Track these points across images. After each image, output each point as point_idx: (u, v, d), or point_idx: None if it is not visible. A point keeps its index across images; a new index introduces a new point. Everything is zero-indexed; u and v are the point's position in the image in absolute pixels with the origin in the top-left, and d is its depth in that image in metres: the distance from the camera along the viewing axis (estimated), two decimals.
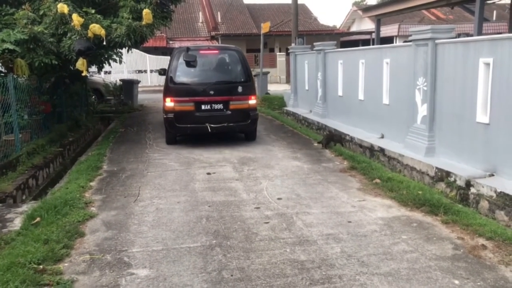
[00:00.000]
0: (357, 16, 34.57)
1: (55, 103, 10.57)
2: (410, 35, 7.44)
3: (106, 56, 10.73)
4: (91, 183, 6.48)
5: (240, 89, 8.77)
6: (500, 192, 5.23)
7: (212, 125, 8.50)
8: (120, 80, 17.47)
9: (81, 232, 4.64)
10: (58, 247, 4.16)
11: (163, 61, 28.12)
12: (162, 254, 4.09)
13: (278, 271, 3.70)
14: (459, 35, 7.31)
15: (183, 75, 8.83)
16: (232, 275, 3.66)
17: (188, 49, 8.83)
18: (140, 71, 27.88)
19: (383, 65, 8.48)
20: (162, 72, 10.23)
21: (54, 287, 3.47)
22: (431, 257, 3.90)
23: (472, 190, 5.70)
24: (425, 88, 7.06)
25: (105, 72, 21.94)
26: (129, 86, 16.64)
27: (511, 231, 4.40)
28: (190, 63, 8.69)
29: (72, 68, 9.84)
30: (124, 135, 10.69)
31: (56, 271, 3.76)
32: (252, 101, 8.90)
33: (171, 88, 8.72)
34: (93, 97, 16.22)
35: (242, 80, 8.96)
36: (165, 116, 8.72)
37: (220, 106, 8.63)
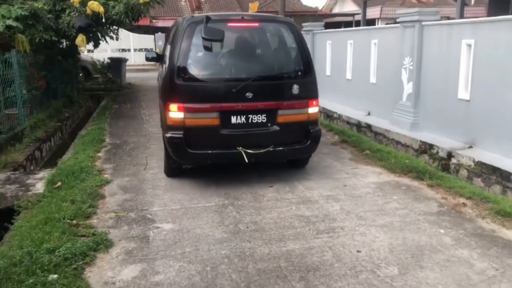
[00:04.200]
0: None
1: (48, 79, 10.76)
2: (394, 17, 7.94)
3: (103, 33, 10.92)
4: (99, 154, 6.85)
5: (295, 89, 5.26)
6: (478, 161, 5.83)
7: (249, 151, 5.06)
8: (109, 58, 17.56)
9: (101, 194, 5.05)
10: (85, 207, 4.58)
11: (146, 40, 28.10)
12: (181, 212, 4.55)
13: (288, 224, 4.21)
14: (440, 18, 7.81)
15: (200, 66, 5.26)
16: (247, 227, 4.16)
17: (208, 19, 5.03)
18: (123, 50, 27.77)
19: (371, 46, 8.97)
20: (151, 56, 6.93)
21: (91, 238, 3.89)
22: (420, 212, 4.47)
23: (453, 160, 6.30)
24: (411, 68, 7.59)
25: (88, 51, 21.87)
26: (117, 64, 16.78)
27: (487, 192, 5.02)
28: (211, 45, 5.12)
29: (67, 44, 10.05)
30: (119, 111, 10.98)
31: (88, 225, 4.19)
32: (313, 109, 5.41)
33: (179, 87, 5.03)
34: (81, 74, 16.32)
35: (299, 74, 5.46)
36: (167, 135, 5.13)
37: (262, 118, 5.17)
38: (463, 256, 3.59)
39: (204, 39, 4.97)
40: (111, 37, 11.47)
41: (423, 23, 7.28)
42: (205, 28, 4.95)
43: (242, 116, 5.12)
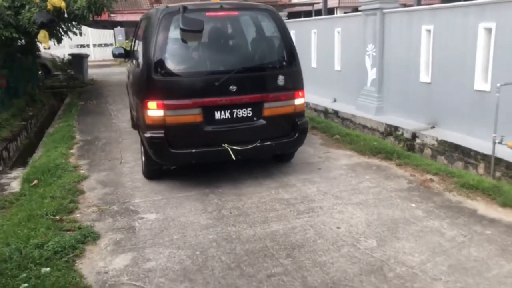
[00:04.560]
0: None
1: (9, 78, 10.45)
2: (352, 6, 8.26)
3: (65, 29, 10.69)
4: (71, 151, 6.79)
5: (280, 80, 5.04)
6: (441, 140, 6.20)
7: (235, 147, 4.82)
8: (69, 54, 17.13)
9: (80, 190, 5.06)
10: (66, 202, 4.59)
11: (106, 35, 27.49)
12: (164, 202, 4.64)
13: (269, 207, 4.39)
14: (399, 6, 8.15)
15: (179, 59, 4.98)
16: (231, 213, 4.31)
17: (185, 9, 4.77)
18: (82, 46, 27.07)
19: (335, 34, 9.24)
20: (118, 52, 6.80)
21: (77, 231, 3.93)
22: (391, 190, 4.75)
23: (417, 140, 6.65)
24: (374, 54, 7.90)
25: (45, 47, 21.24)
26: (78, 60, 16.42)
27: (451, 168, 5.37)
28: (191, 36, 4.84)
29: (27, 41, 9.79)
30: (85, 108, 10.82)
31: (72, 220, 4.22)
32: (300, 101, 5.21)
33: (157, 83, 4.73)
34: (40, 72, 15.86)
35: (284, 64, 5.22)
36: (146, 135, 4.81)
37: (247, 112, 4.93)
38: (434, 226, 3.87)
39: (182, 30, 4.66)
40: (74, 33, 11.25)
41: (384, 10, 7.58)
42: (183, 19, 4.64)
43: (226, 111, 4.86)
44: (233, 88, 4.81)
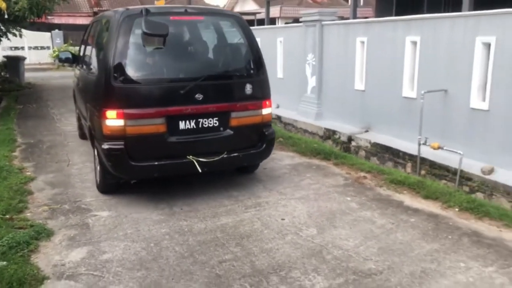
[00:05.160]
0: None
1: None
2: (292, 17, 8.82)
3: (4, 31, 10.37)
4: (14, 153, 6.69)
5: (248, 88, 4.89)
6: (373, 142, 6.78)
7: (201, 159, 4.60)
8: (4, 56, 16.45)
9: (28, 190, 5.07)
10: (14, 202, 4.62)
11: (42, 38, 26.54)
12: (115, 201, 4.78)
13: (218, 203, 4.67)
14: (337, 18, 8.78)
15: (141, 65, 4.67)
16: (182, 209, 4.54)
17: (147, 12, 4.47)
18: (17, 48, 25.91)
19: (277, 43, 9.72)
20: (65, 57, 6.62)
21: (29, 229, 3.99)
22: (329, 186, 5.20)
23: (353, 143, 7.21)
24: (314, 63, 8.43)
25: None
26: (14, 63, 15.81)
27: (383, 167, 5.93)
28: (154, 41, 4.54)
29: None
30: (25, 112, 10.53)
31: (23, 219, 4.27)
32: (267, 110, 5.10)
33: (117, 91, 4.42)
34: None
35: (251, 72, 5.08)
36: (104, 147, 4.46)
37: (214, 121, 4.74)
38: (367, 216, 4.34)
39: (146, 34, 4.35)
40: (14, 34, 10.93)
41: (323, 22, 8.14)
42: (147, 22, 4.35)
43: (191, 121, 4.62)
44: (199, 96, 4.58)
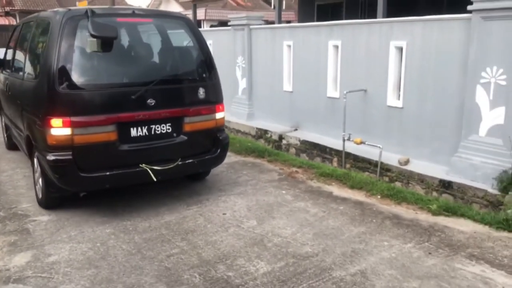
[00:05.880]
0: (164, 0, 35.52)
1: None
2: (217, 19, 9.13)
3: None
4: None
5: (201, 93, 4.81)
6: (302, 140, 7.24)
7: (155, 167, 4.44)
8: None
9: None
10: None
11: None
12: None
13: (161, 203, 4.81)
14: (264, 23, 9.20)
15: (88, 70, 4.42)
16: (124, 210, 4.63)
17: (93, 12, 4.27)
18: None
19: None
20: None
21: None
22: (265, 181, 5.54)
23: (284, 141, 7.63)
24: (243, 66, 8.76)
25: None
26: None
27: (312, 162, 6.38)
28: (102, 44, 4.23)
29: None
30: None
31: None
32: (221, 115, 5.08)
33: (63, 97, 4.15)
34: None
35: (204, 76, 4.98)
36: (49, 158, 4.15)
37: (166, 127, 4.61)
38: (301, 206, 4.71)
39: (93, 36, 4.10)
40: None
41: (251, 26, 8.50)
42: (93, 24, 4.11)
43: (143, 127, 4.44)
44: (151, 102, 4.41)
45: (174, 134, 4.65)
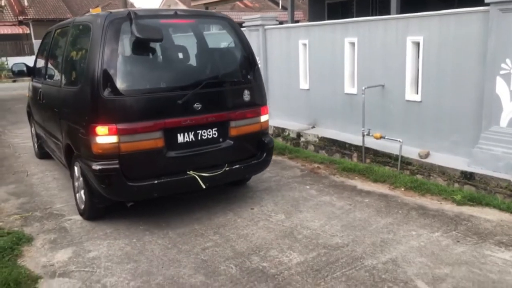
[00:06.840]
0: (172, 3, 35.84)
1: None
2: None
3: None
4: None
5: (246, 95, 4.63)
6: (321, 137, 7.34)
7: (203, 174, 4.29)
8: None
9: None
10: None
11: None
12: None
13: (191, 199, 4.95)
14: (277, 23, 9.34)
15: (134, 75, 4.22)
16: (156, 206, 4.77)
17: (135, 15, 4.09)
18: None
19: None
20: (18, 69, 6.17)
21: (7, 236, 4.05)
22: (288, 177, 5.66)
23: (302, 139, 7.73)
24: (259, 65, 8.87)
25: None
26: None
27: (333, 158, 6.49)
28: (147, 47, 4.19)
29: None
30: None
31: None
32: (265, 117, 4.86)
33: (108, 104, 3.97)
34: None
35: (248, 77, 4.76)
36: (95, 167, 4.00)
37: (213, 132, 4.45)
38: (326, 200, 4.82)
39: (138, 39, 3.97)
40: None
41: (265, 27, 8.62)
42: (138, 26, 3.94)
43: (190, 133, 4.27)
44: (197, 106, 4.24)
45: (220, 139, 4.49)
